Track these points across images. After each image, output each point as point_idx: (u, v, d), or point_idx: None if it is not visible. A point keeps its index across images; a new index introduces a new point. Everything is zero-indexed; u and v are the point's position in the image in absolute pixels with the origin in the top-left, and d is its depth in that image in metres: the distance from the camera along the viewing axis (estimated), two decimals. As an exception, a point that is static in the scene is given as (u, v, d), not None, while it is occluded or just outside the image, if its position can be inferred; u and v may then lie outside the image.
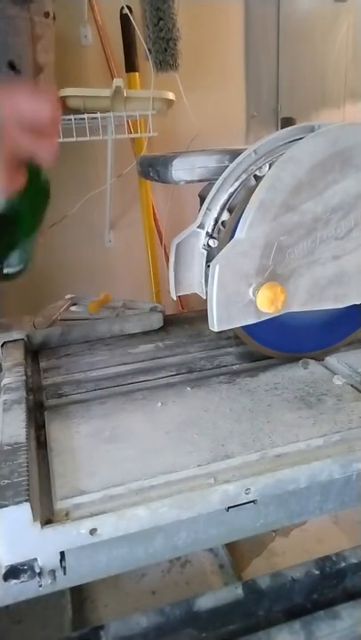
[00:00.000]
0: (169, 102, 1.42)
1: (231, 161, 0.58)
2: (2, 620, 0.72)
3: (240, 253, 0.52)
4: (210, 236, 0.60)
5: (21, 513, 0.40)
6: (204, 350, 0.71)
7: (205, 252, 0.61)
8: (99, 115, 1.34)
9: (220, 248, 0.56)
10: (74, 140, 1.33)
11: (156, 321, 0.79)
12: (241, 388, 0.60)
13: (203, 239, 0.61)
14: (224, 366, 0.66)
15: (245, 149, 0.58)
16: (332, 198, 0.54)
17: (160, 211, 1.75)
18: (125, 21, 1.49)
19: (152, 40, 1.37)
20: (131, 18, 1.45)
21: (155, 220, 1.73)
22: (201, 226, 0.61)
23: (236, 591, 0.56)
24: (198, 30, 1.66)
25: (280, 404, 0.56)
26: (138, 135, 1.51)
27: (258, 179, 0.58)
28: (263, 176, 0.54)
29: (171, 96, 1.42)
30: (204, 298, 0.57)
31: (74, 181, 1.67)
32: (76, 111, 1.33)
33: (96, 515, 0.42)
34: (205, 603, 0.55)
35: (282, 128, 0.58)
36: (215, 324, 0.53)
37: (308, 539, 0.93)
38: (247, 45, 1.78)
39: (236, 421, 0.53)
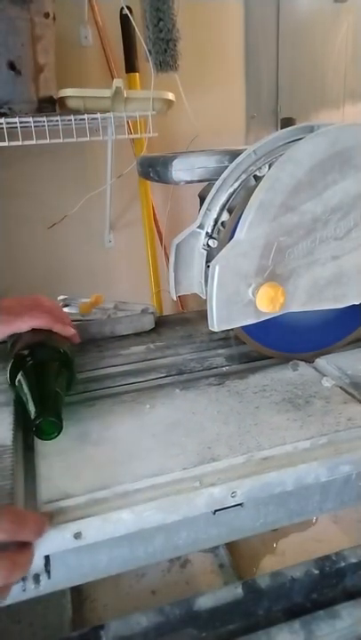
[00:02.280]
0: (169, 103, 1.42)
1: (231, 161, 0.58)
2: (2, 620, 0.72)
3: (240, 254, 0.52)
4: (210, 236, 0.60)
5: None
6: (194, 352, 0.71)
7: (205, 253, 0.61)
8: (99, 115, 1.34)
9: (219, 248, 0.56)
10: (74, 140, 1.33)
11: (147, 322, 0.79)
12: (230, 390, 0.60)
13: (203, 239, 0.61)
14: (214, 368, 0.66)
15: (245, 150, 0.58)
16: (332, 199, 0.54)
17: (160, 211, 1.76)
18: (125, 22, 1.49)
19: (152, 41, 1.37)
20: (131, 18, 1.45)
21: (155, 220, 1.73)
22: (201, 226, 0.61)
23: (236, 591, 0.56)
24: (198, 30, 1.67)
25: (268, 406, 0.56)
26: (138, 136, 1.51)
27: (258, 179, 0.58)
28: (263, 176, 0.54)
29: (171, 97, 1.42)
30: (204, 298, 0.57)
31: (74, 181, 1.67)
32: (76, 112, 1.33)
33: (81, 518, 0.42)
34: (205, 602, 0.55)
35: (282, 128, 0.58)
36: (215, 324, 0.54)
37: (308, 538, 0.93)
38: (247, 46, 1.78)
39: (224, 424, 0.53)
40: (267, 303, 0.53)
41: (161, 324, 0.81)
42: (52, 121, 1.30)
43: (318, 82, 1.88)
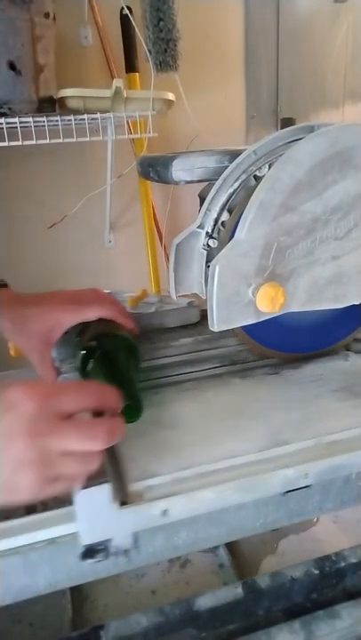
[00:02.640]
0: (169, 103, 1.42)
1: (231, 161, 0.58)
2: (2, 620, 0.72)
3: (240, 254, 0.52)
4: (210, 236, 0.60)
5: (102, 493, 0.43)
6: (242, 343, 0.72)
7: (205, 253, 0.61)
8: (99, 115, 1.34)
9: (219, 248, 0.56)
10: (74, 140, 1.33)
11: (193, 315, 0.81)
12: (286, 379, 0.62)
13: (203, 239, 0.61)
14: (266, 358, 0.68)
15: (245, 150, 0.58)
16: (332, 199, 0.54)
17: (160, 211, 1.76)
18: (125, 22, 1.49)
19: (152, 41, 1.37)
20: (131, 18, 1.45)
21: (155, 220, 1.73)
22: (201, 226, 0.61)
23: (236, 591, 0.56)
24: (198, 30, 1.67)
25: (327, 394, 0.58)
26: (138, 136, 1.51)
27: (258, 179, 0.58)
28: (263, 176, 0.54)
29: (171, 97, 1.42)
30: (204, 298, 0.57)
31: (74, 181, 1.67)
32: (77, 112, 1.33)
33: (167, 496, 0.44)
34: (205, 602, 0.55)
35: (282, 128, 0.58)
36: (215, 325, 0.54)
37: (308, 538, 0.93)
38: (247, 46, 1.78)
39: (287, 410, 0.55)
40: (267, 303, 0.53)
41: (203, 317, 0.82)
42: (52, 121, 1.30)
43: (318, 82, 1.88)
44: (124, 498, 0.44)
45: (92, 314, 0.61)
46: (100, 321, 0.62)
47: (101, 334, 0.59)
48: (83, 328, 0.62)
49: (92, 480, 0.42)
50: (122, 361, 0.56)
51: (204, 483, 0.46)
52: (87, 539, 0.44)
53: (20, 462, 0.37)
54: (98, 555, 0.46)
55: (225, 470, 0.47)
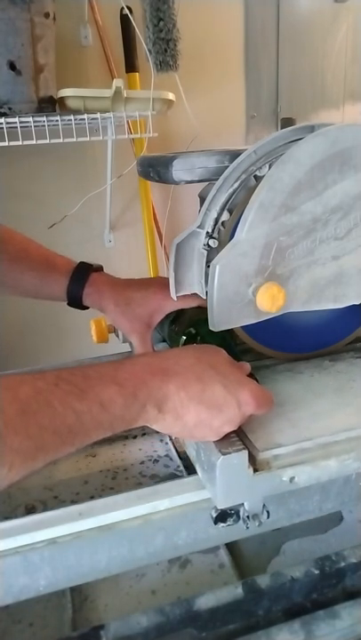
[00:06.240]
0: (169, 103, 1.42)
1: (231, 161, 0.58)
2: (2, 620, 0.72)
3: (240, 254, 0.52)
4: (210, 236, 0.60)
5: (240, 460, 0.46)
6: None
7: (205, 253, 0.61)
8: (99, 115, 1.34)
9: (220, 248, 0.56)
10: (74, 140, 1.33)
11: None
12: None
13: (203, 239, 0.61)
14: (350, 343, 0.70)
15: (245, 150, 0.58)
16: (332, 199, 0.54)
17: (160, 211, 1.76)
18: (125, 22, 1.49)
19: (152, 41, 1.37)
20: (131, 18, 1.45)
21: (155, 220, 1.73)
22: (201, 226, 0.61)
23: (236, 591, 0.56)
24: (198, 30, 1.67)
25: None
26: (138, 135, 1.52)
27: (258, 179, 0.58)
28: (263, 176, 0.54)
29: (171, 96, 1.42)
30: (205, 298, 0.57)
31: (74, 181, 1.67)
32: (77, 111, 1.33)
33: (294, 465, 0.48)
34: (205, 602, 0.55)
35: (282, 128, 0.58)
36: (215, 324, 0.54)
37: (308, 538, 0.92)
38: (247, 46, 1.78)
39: None
40: (267, 303, 0.53)
41: None
42: (52, 121, 1.30)
43: (318, 82, 1.88)
44: (255, 465, 0.47)
45: (192, 301, 0.63)
46: (194, 309, 0.64)
47: (199, 321, 0.62)
48: (176, 316, 0.65)
49: (229, 449, 0.46)
50: (221, 345, 0.58)
51: (327, 453, 0.49)
52: (223, 503, 0.47)
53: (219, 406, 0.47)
54: (229, 519, 0.49)
55: (344, 442, 0.50)
